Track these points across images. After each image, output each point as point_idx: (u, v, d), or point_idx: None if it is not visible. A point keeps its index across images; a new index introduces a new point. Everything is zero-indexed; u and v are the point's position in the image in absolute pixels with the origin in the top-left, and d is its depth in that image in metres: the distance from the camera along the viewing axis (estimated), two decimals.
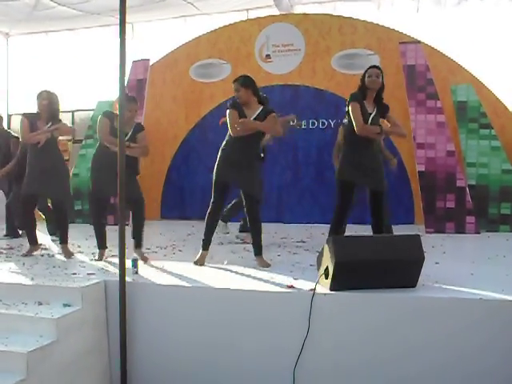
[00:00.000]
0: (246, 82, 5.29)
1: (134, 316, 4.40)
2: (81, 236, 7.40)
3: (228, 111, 5.24)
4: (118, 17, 4.36)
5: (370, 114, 5.09)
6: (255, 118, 5.19)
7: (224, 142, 5.37)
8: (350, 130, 5.15)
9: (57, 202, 6.03)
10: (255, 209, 5.28)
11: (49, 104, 5.85)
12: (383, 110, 5.20)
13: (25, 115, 5.92)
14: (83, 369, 4.22)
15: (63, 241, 5.96)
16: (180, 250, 6.30)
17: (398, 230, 6.32)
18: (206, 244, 5.41)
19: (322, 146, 9.24)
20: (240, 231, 7.06)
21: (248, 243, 6.32)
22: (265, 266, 5.18)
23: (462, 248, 6.52)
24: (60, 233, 6.05)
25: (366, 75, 5.08)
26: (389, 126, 5.29)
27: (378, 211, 5.31)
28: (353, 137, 5.13)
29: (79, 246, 6.60)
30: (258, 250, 5.31)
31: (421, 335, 3.90)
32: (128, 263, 4.52)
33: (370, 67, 5.19)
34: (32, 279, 4.61)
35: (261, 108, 5.25)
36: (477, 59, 9.56)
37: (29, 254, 6.01)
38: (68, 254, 5.86)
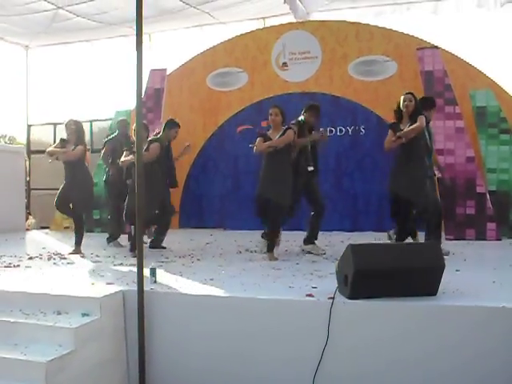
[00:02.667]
0: (282, 111, 6.34)
1: (153, 326, 4.39)
2: (99, 245, 7.45)
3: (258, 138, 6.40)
4: (135, 27, 4.39)
5: (402, 129, 5.88)
6: (279, 137, 6.22)
7: None
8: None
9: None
10: (273, 214, 6.22)
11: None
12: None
13: None
14: (101, 378, 4.22)
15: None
16: (198, 259, 6.29)
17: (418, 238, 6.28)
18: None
19: (340, 153, 9.23)
20: (305, 244, 6.83)
21: (317, 254, 6.50)
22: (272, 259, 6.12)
23: (482, 255, 6.44)
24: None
25: (401, 100, 5.95)
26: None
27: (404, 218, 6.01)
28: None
29: (98, 256, 6.63)
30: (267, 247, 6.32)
31: (441, 344, 3.84)
32: (146, 272, 4.54)
33: (405, 94, 6.02)
34: (51, 289, 4.62)
35: (283, 129, 6.26)
36: (496, 64, 9.48)
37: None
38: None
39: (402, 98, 5.99)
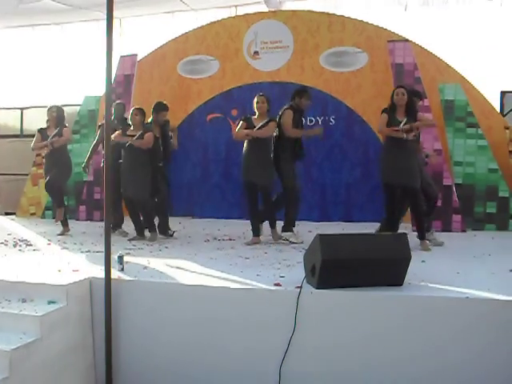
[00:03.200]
0: (268, 99, 6.64)
1: (120, 313, 4.37)
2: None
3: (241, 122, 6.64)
4: (106, 12, 4.33)
5: (401, 121, 6.09)
6: (261, 126, 6.48)
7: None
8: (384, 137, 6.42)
9: None
10: (264, 197, 6.57)
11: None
12: (414, 117, 6.14)
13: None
14: (67, 366, 4.19)
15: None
16: (166, 247, 6.27)
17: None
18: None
19: (310, 143, 9.21)
20: (283, 231, 6.79)
21: (294, 243, 6.48)
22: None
23: (448, 246, 6.53)
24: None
25: (394, 94, 6.17)
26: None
27: (415, 205, 6.22)
28: (386, 141, 6.33)
29: (65, 243, 6.55)
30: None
31: (407, 334, 3.91)
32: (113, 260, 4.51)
33: (397, 87, 6.32)
34: (16, 276, 4.55)
35: (268, 119, 6.53)
36: (466, 60, 9.59)
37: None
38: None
39: (395, 91, 6.21)
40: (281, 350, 4.01)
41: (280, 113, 6.72)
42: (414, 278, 4.37)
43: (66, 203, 9.43)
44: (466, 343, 3.82)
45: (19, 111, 11.82)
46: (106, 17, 4.33)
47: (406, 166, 6.03)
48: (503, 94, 9.06)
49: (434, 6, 9.61)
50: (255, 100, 6.62)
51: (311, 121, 9.33)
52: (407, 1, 9.47)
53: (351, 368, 3.97)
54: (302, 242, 6.40)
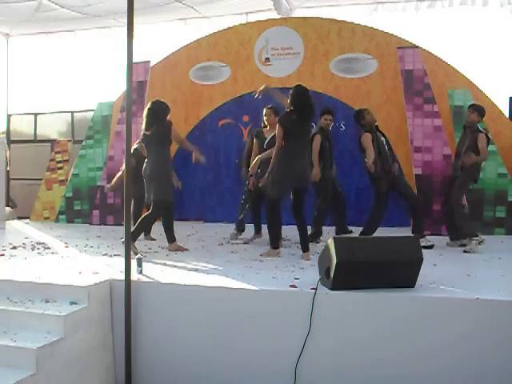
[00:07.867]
0: (276, 110, 6.90)
1: (139, 314, 4.49)
2: (82, 236, 7.49)
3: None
4: (126, 19, 4.51)
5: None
6: (272, 137, 6.64)
7: None
8: None
9: None
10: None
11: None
12: None
13: None
14: (89, 365, 4.31)
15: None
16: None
17: (395, 232, 6.43)
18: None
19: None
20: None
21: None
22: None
23: (457, 250, 6.63)
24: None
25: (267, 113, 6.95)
26: None
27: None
28: None
29: (84, 246, 6.68)
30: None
31: (419, 334, 4.01)
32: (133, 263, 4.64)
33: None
34: (38, 277, 4.68)
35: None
36: (474, 65, 9.66)
37: None
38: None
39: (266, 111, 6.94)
40: (296, 350, 4.12)
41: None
42: (426, 280, 4.47)
43: (80, 207, 9.62)
44: (477, 342, 3.92)
45: (33, 116, 11.99)
46: (119, 24, 4.48)
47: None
48: None
49: (445, 11, 9.70)
50: (264, 113, 7.07)
51: None
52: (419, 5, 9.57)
53: (364, 367, 4.08)
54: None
